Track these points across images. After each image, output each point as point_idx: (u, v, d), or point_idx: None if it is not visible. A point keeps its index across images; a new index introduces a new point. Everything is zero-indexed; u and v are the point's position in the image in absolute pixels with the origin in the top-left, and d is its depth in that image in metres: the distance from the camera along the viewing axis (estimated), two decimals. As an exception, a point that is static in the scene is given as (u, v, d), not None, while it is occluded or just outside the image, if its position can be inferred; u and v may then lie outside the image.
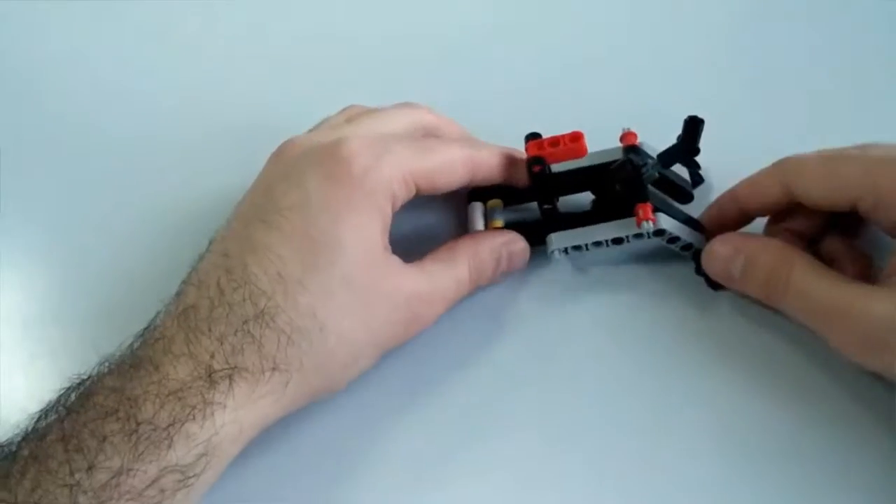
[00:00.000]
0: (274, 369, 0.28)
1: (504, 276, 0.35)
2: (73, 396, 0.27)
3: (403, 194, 0.31)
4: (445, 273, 0.32)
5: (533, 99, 0.42)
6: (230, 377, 0.27)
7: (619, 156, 0.35)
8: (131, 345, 0.29)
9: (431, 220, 0.38)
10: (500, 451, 0.32)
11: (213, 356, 0.27)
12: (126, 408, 0.26)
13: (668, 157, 0.34)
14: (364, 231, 0.29)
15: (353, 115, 0.36)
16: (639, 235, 0.33)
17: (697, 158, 0.36)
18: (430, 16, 0.48)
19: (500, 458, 0.32)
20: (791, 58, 0.43)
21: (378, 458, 0.32)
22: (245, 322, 0.28)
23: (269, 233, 0.29)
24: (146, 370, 0.27)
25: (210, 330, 0.28)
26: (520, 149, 0.35)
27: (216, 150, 0.42)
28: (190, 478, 0.26)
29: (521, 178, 0.34)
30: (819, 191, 0.31)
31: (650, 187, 0.34)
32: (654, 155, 0.35)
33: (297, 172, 0.30)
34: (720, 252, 0.33)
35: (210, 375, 0.27)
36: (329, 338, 0.29)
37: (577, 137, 0.33)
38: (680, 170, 0.37)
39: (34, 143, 0.44)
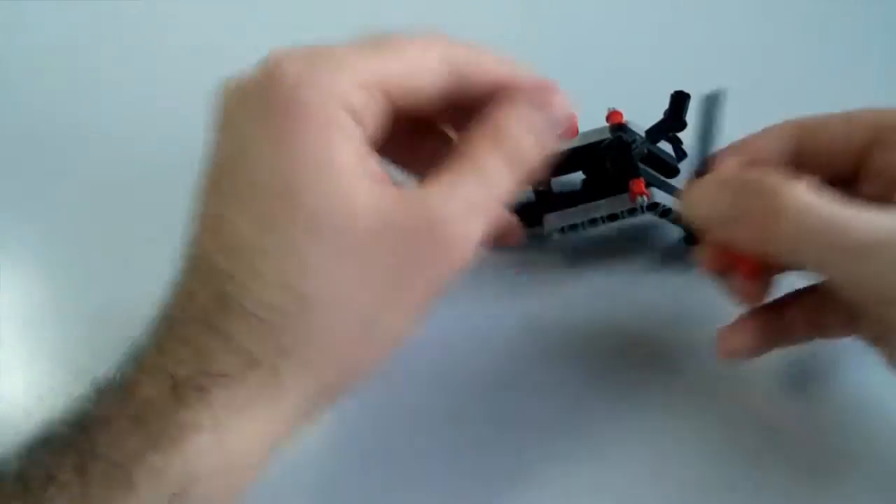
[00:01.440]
0: (252, 365, 0.21)
1: (556, 137, 0.26)
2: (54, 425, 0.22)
3: (368, 104, 0.23)
4: (460, 179, 0.23)
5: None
6: (201, 387, 0.21)
7: (606, 135, 0.36)
8: (118, 362, 0.23)
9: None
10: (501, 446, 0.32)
11: (179, 363, 0.21)
12: (82, 437, 0.21)
13: (656, 132, 0.35)
14: (323, 164, 0.22)
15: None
16: (633, 210, 0.34)
17: (681, 134, 0.37)
18: (415, 7, 0.48)
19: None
20: (775, 31, 0.45)
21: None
22: (208, 313, 0.22)
23: (216, 199, 0.23)
24: (114, 389, 0.22)
25: (176, 332, 0.22)
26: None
27: None
28: None
29: (541, 98, 0.26)
30: (838, 131, 0.27)
31: (639, 163, 0.35)
32: (639, 132, 0.36)
33: (228, 118, 0.24)
34: (704, 190, 0.27)
35: (175, 388, 0.21)
36: (315, 308, 0.22)
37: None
38: (664, 145, 0.38)
39: (34, 142, 0.43)
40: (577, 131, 0.33)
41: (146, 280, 0.36)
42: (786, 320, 0.29)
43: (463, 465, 0.31)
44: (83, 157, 0.43)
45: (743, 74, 0.43)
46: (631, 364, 0.33)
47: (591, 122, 0.36)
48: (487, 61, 0.26)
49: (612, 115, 0.36)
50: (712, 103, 0.30)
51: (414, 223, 0.22)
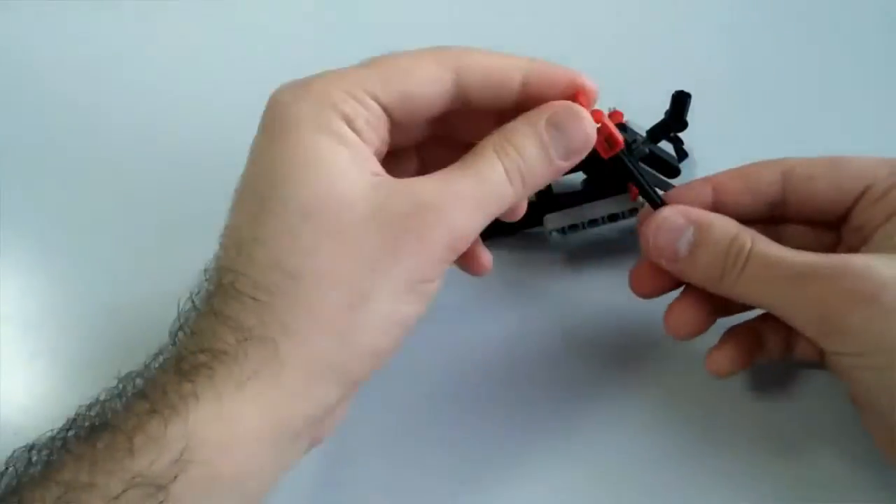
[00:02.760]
0: (249, 339, 0.22)
1: (570, 160, 0.26)
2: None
3: (359, 111, 0.24)
4: (464, 176, 0.24)
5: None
6: (201, 363, 0.22)
7: (607, 135, 0.36)
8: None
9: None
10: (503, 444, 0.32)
11: (181, 345, 0.23)
12: (93, 411, 0.23)
13: (657, 132, 0.35)
14: (314, 157, 0.24)
15: None
16: (633, 210, 0.34)
17: (682, 134, 0.37)
18: (415, 5, 0.48)
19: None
20: (775, 31, 0.45)
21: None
22: (208, 299, 0.24)
23: (232, 211, 0.25)
24: (132, 384, 0.23)
25: (181, 322, 0.24)
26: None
27: (217, 149, 0.41)
28: (161, 490, 0.21)
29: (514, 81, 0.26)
30: (826, 180, 0.28)
31: (639, 163, 0.35)
32: (639, 132, 0.36)
33: (253, 142, 0.26)
34: (669, 221, 0.28)
35: (178, 365, 0.22)
36: (307, 284, 0.23)
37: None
38: (665, 146, 0.38)
39: (34, 142, 0.44)
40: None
41: (146, 280, 0.37)
42: (763, 342, 0.30)
43: (461, 458, 0.31)
44: (83, 156, 0.43)
45: (742, 74, 0.43)
46: (630, 363, 0.33)
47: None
48: (488, 65, 0.26)
49: (613, 114, 0.36)
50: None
51: (403, 207, 0.23)
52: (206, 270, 0.25)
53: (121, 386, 0.23)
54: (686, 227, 0.28)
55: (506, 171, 0.25)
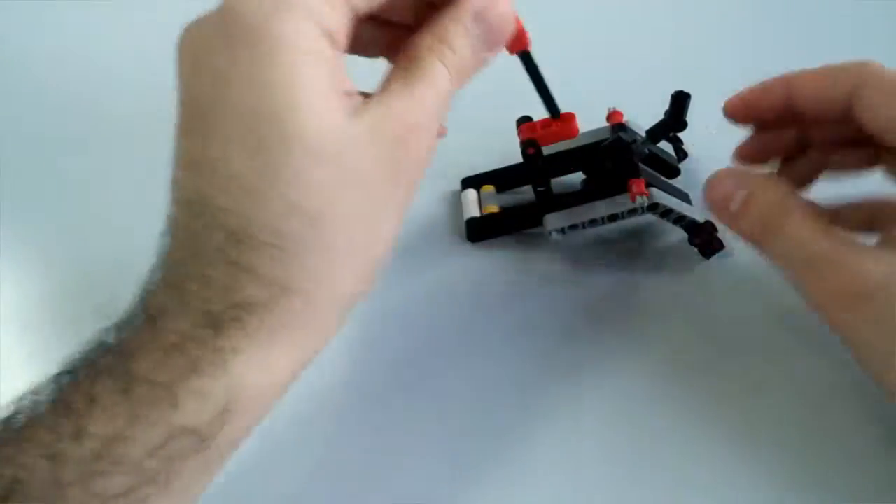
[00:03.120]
0: (285, 290, 0.23)
1: (491, 54, 0.27)
2: (76, 361, 0.24)
3: (335, 13, 0.24)
4: (416, 88, 0.25)
5: (515, 84, 0.43)
6: (236, 318, 0.23)
7: (607, 135, 0.36)
8: (132, 304, 0.24)
9: (423, 211, 0.38)
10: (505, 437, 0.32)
11: (207, 300, 0.23)
12: (121, 364, 0.22)
13: (657, 132, 0.35)
14: (303, 86, 0.23)
15: None
16: (633, 211, 0.34)
17: (681, 134, 0.37)
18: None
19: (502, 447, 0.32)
20: (774, 30, 0.45)
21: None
22: (222, 250, 0.23)
23: (198, 140, 0.23)
24: (143, 325, 0.23)
25: (189, 273, 0.23)
26: (510, 135, 0.35)
27: None
28: (205, 440, 0.22)
29: None
30: (889, 111, 0.28)
31: (639, 163, 0.35)
32: (639, 132, 0.36)
33: (200, 62, 0.24)
34: (724, 182, 0.30)
35: (212, 321, 0.22)
36: (328, 226, 0.23)
37: (568, 118, 0.33)
38: (664, 145, 0.38)
39: (34, 141, 0.43)
40: (578, 131, 0.33)
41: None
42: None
43: (456, 458, 0.31)
44: (83, 155, 0.43)
45: (743, 73, 0.43)
46: (631, 363, 0.33)
47: (592, 122, 0.36)
48: None
49: (613, 114, 0.36)
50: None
51: (396, 132, 0.24)
52: (185, 202, 0.24)
53: (123, 337, 0.23)
54: (738, 190, 0.29)
55: (447, 72, 0.25)
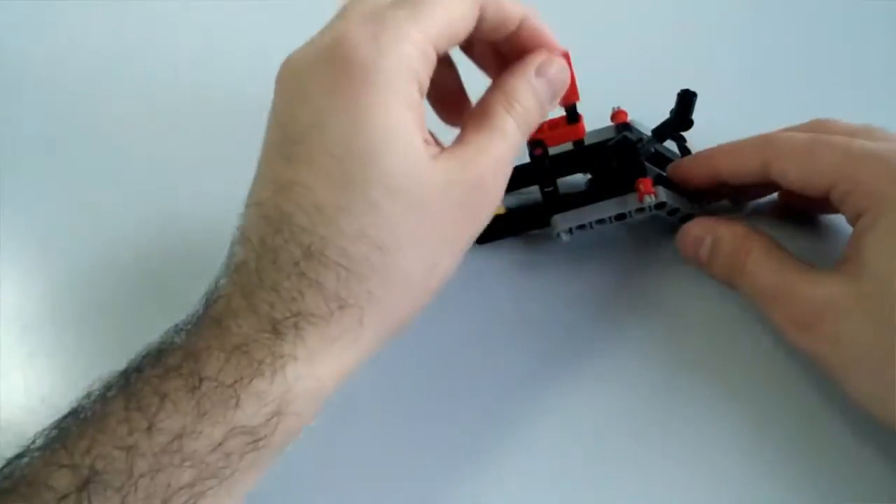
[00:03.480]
0: (342, 307, 0.25)
1: (553, 102, 0.30)
2: (144, 360, 0.25)
3: (426, 67, 0.27)
4: (494, 140, 0.28)
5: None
6: (296, 325, 0.25)
7: (612, 134, 0.36)
8: (196, 308, 0.27)
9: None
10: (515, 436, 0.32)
11: (272, 306, 0.25)
12: (189, 364, 0.24)
13: (663, 131, 0.35)
14: (395, 129, 0.25)
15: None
16: (641, 210, 0.34)
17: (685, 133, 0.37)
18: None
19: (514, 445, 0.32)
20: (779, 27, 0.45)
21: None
22: (296, 264, 0.25)
23: (291, 166, 0.26)
24: (208, 327, 0.25)
25: (262, 281, 0.25)
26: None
27: (215, 149, 0.42)
28: (260, 440, 0.24)
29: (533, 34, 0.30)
30: (797, 173, 0.31)
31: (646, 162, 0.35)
32: (643, 131, 0.36)
33: (301, 91, 0.26)
34: (692, 232, 0.34)
35: (274, 327, 0.25)
36: (393, 256, 0.26)
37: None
38: (668, 144, 0.38)
39: (33, 141, 0.43)
40: (584, 131, 0.33)
41: (147, 281, 0.37)
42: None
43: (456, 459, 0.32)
44: (83, 155, 0.43)
45: (746, 73, 0.43)
46: (640, 362, 0.34)
47: (597, 122, 0.36)
48: (511, 8, 0.29)
49: (618, 114, 0.36)
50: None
51: (469, 179, 0.27)
52: (264, 217, 0.26)
53: (191, 336, 0.25)
54: (705, 238, 0.34)
55: (517, 125, 0.28)
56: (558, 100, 0.30)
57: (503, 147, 0.28)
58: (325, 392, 0.26)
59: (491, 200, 0.28)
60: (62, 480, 0.22)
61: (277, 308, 0.25)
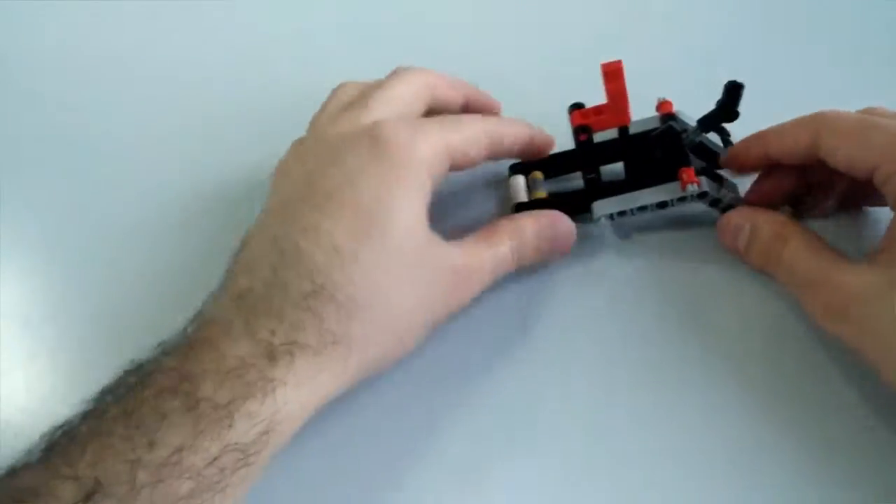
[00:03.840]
0: (335, 343, 0.28)
1: (548, 257, 0.35)
2: (131, 379, 0.27)
3: (440, 170, 0.32)
4: (487, 250, 0.33)
5: (565, 70, 0.43)
6: (291, 353, 0.28)
7: (656, 124, 0.36)
8: (184, 329, 0.29)
9: (472, 197, 0.39)
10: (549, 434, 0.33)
11: (273, 333, 0.28)
12: (185, 386, 0.26)
13: (708, 122, 0.35)
14: (411, 205, 0.30)
15: (354, 94, 0.35)
16: (682, 199, 0.34)
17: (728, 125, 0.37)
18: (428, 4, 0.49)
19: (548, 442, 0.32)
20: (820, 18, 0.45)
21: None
22: (305, 298, 0.28)
23: (316, 213, 0.30)
24: (204, 350, 0.27)
25: (268, 309, 0.28)
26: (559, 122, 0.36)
27: (214, 150, 0.42)
28: (250, 456, 0.26)
29: (539, 148, 0.36)
30: (846, 151, 0.32)
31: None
32: (687, 122, 0.37)
33: (338, 156, 0.31)
34: (731, 221, 0.35)
35: (271, 353, 0.27)
36: (386, 309, 0.30)
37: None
38: (710, 136, 0.38)
39: (33, 141, 0.44)
40: (630, 118, 0.33)
41: (146, 279, 0.37)
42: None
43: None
44: (83, 155, 0.43)
45: (792, 66, 0.43)
46: (676, 349, 0.34)
47: (642, 111, 0.37)
48: (515, 135, 0.35)
49: (663, 104, 0.37)
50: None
51: (447, 265, 0.32)
52: (281, 252, 0.29)
53: (190, 358, 0.27)
54: (743, 227, 0.34)
55: (511, 253, 0.33)
56: (556, 251, 0.35)
57: (489, 257, 0.33)
58: (305, 416, 0.29)
59: (460, 297, 0.32)
60: (67, 492, 0.24)
61: (278, 335, 0.28)
